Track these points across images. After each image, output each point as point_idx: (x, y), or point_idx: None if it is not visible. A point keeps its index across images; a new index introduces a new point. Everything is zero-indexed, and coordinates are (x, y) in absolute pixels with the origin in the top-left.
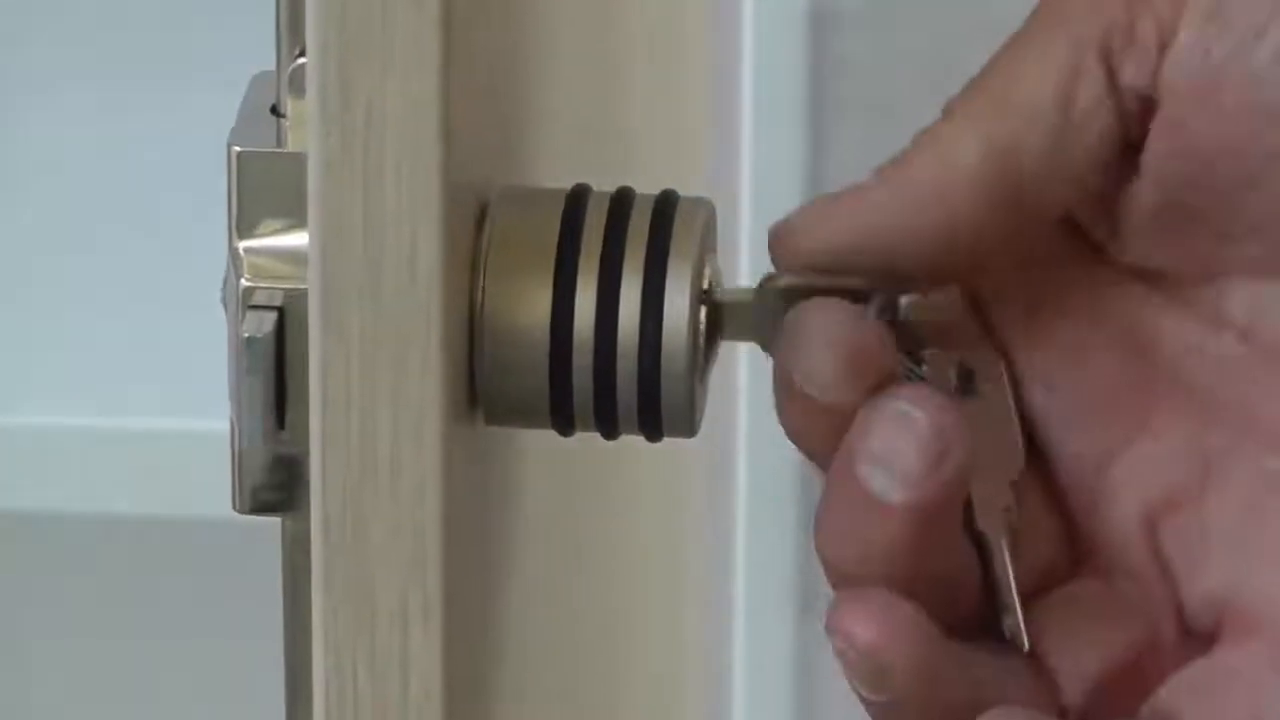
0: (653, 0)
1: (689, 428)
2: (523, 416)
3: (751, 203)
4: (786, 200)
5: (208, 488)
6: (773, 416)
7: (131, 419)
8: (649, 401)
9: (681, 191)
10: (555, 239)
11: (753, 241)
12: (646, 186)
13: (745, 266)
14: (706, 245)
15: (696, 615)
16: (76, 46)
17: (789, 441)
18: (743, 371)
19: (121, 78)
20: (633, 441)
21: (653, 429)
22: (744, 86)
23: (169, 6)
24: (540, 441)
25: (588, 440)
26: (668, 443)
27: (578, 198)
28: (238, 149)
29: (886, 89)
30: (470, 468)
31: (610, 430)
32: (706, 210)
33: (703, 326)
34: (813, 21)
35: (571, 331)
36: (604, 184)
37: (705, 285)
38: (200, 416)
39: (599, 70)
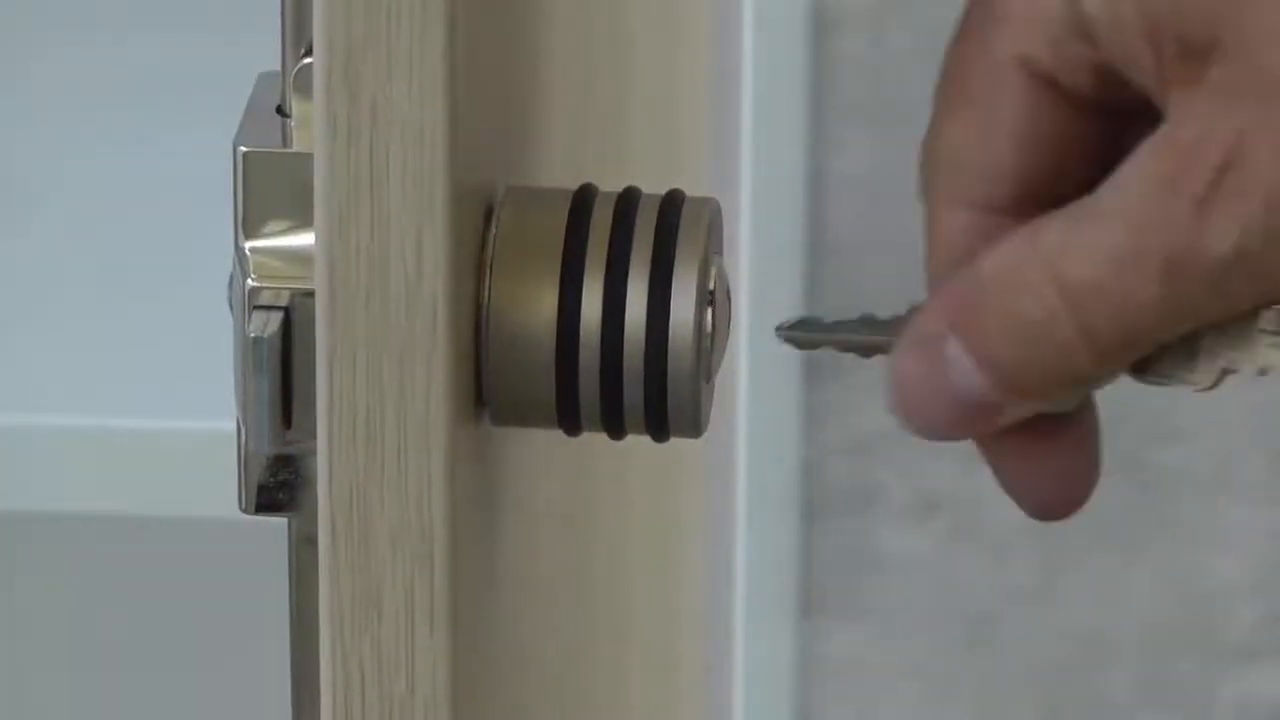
0: (653, 1)
1: (695, 428)
2: (530, 417)
3: (751, 203)
4: (787, 200)
5: (211, 488)
6: (773, 416)
7: (131, 419)
8: (655, 402)
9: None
10: (561, 239)
11: (753, 241)
12: (648, 186)
13: (744, 265)
14: (712, 245)
15: (696, 615)
16: (78, 46)
17: (790, 440)
18: (743, 372)
19: (124, 74)
20: (633, 440)
21: (659, 429)
22: (744, 86)
23: (169, 5)
24: (545, 441)
25: (590, 439)
26: (668, 442)
27: (584, 197)
28: (243, 149)
29: (886, 89)
30: (477, 467)
31: (617, 431)
32: (711, 210)
33: (708, 327)
34: (813, 21)
35: (578, 332)
36: (606, 184)
37: (710, 285)
38: (202, 416)
39: (603, 69)
